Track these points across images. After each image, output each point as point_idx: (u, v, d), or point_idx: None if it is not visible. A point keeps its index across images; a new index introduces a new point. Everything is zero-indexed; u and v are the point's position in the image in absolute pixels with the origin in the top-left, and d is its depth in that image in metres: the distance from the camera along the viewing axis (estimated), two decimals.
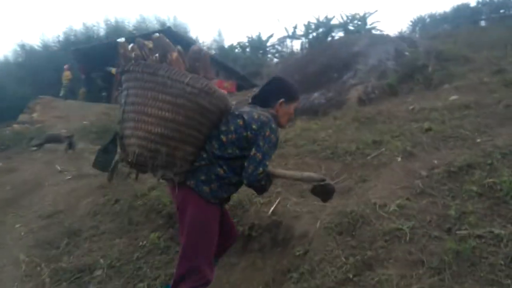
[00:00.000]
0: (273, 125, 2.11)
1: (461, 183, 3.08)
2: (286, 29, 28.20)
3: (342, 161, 4.14)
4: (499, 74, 5.56)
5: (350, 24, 20.20)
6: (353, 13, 22.61)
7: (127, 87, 2.09)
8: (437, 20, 21.67)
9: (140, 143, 2.00)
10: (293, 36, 21.90)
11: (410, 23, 22.99)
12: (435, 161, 3.52)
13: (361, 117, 5.38)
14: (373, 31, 18.57)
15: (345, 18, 20.24)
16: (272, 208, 3.53)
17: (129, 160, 2.05)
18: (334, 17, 22.42)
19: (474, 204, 2.76)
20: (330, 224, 3.01)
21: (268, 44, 22.26)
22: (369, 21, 19.71)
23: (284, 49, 22.76)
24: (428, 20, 22.39)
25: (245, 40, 23.80)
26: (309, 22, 20.64)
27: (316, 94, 7.39)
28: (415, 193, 3.16)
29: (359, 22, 20.05)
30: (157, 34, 2.24)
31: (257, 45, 22.23)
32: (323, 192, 2.21)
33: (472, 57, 7.03)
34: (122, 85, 2.15)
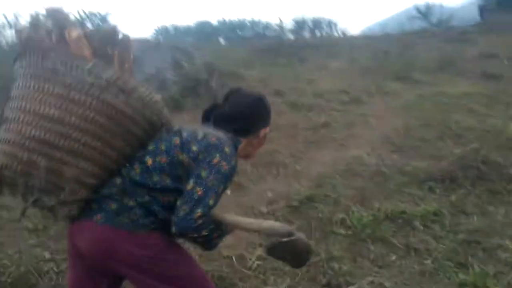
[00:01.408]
0: (227, 149, 1.38)
1: (307, 220, 2.85)
2: (5, 16, 23.49)
3: None
4: (278, 95, 5.89)
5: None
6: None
7: (13, 82, 1.46)
8: (181, 33, 22.61)
9: (9, 150, 1.31)
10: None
11: (154, 32, 23.12)
12: (269, 194, 3.21)
13: None
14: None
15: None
16: None
17: None
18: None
19: (335, 246, 2.55)
20: None
21: None
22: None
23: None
24: (173, 31, 23.11)
25: None
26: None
27: None
28: (264, 236, 2.72)
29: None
30: (49, 6, 1.46)
31: None
32: (289, 252, 1.37)
33: (244, 75, 7.30)
34: None
